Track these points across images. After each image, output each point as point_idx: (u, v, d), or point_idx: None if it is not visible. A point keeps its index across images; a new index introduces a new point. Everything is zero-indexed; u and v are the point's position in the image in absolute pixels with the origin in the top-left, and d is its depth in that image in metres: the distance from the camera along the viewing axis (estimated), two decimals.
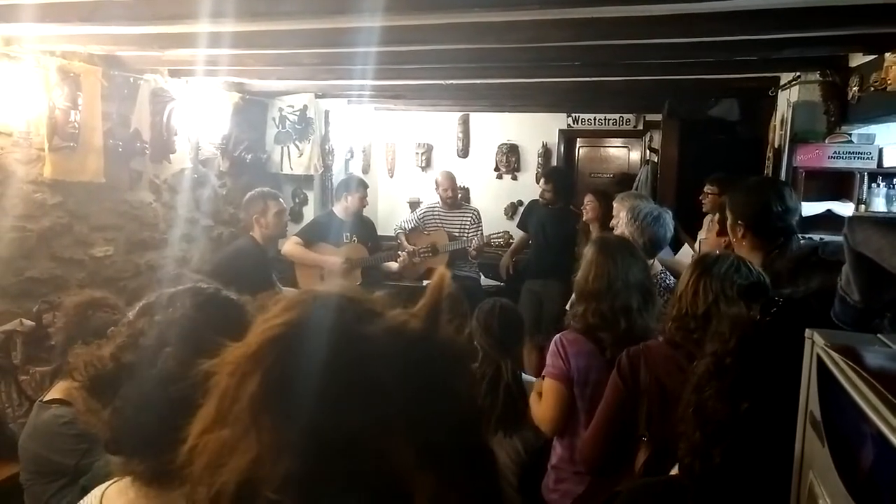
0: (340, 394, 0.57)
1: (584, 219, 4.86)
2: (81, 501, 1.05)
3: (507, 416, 2.46)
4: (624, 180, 6.52)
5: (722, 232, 3.06)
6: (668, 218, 3.27)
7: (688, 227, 4.56)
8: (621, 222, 3.25)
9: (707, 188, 4.59)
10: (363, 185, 4.95)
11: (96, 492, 1.04)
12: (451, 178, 5.46)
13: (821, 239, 3.76)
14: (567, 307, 2.59)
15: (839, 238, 1.10)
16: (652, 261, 3.12)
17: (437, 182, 5.48)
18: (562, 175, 5.73)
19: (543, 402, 2.36)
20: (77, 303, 2.38)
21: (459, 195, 5.74)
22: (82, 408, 0.99)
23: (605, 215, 4.62)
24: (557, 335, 2.41)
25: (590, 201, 4.79)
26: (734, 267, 1.89)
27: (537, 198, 5.45)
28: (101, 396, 0.97)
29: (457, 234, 5.35)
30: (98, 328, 1.80)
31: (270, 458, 0.56)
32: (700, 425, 1.07)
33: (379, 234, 5.34)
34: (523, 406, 2.49)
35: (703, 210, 4.56)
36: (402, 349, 0.60)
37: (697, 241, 4.24)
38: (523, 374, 2.62)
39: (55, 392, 2.29)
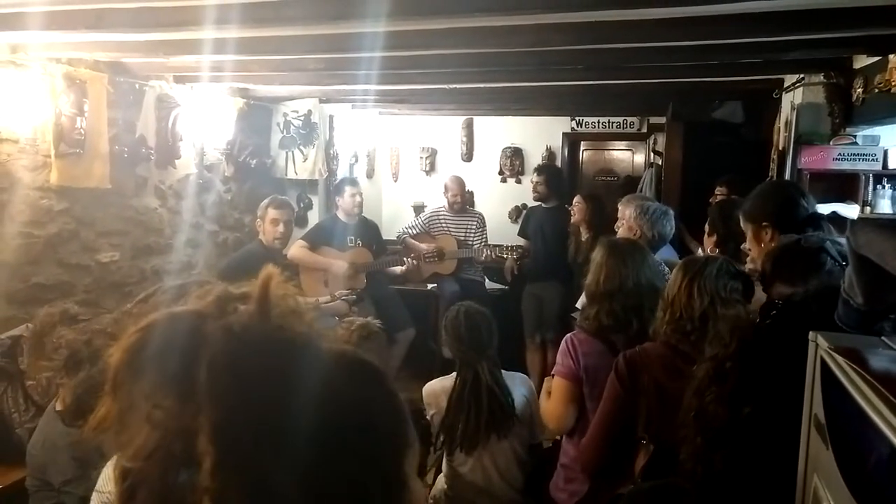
0: (166, 376, 0.63)
1: (573, 220, 4.88)
2: (100, 481, 1.09)
3: (496, 417, 2.46)
4: (628, 183, 6.52)
5: (712, 232, 3.13)
6: (673, 215, 3.33)
7: (692, 230, 4.55)
8: (629, 219, 3.25)
9: (717, 190, 4.57)
10: (350, 182, 4.93)
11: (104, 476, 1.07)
12: (460, 184, 5.47)
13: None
14: (579, 307, 2.60)
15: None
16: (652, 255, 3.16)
17: (445, 186, 5.49)
18: (551, 169, 5.74)
19: (552, 400, 2.36)
20: (48, 314, 2.44)
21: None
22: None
23: (593, 218, 4.67)
24: (568, 335, 2.41)
25: (577, 203, 4.84)
26: (724, 268, 1.92)
27: (534, 201, 5.47)
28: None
29: (461, 239, 5.36)
30: (60, 344, 1.82)
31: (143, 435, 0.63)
32: (701, 430, 1.07)
33: (383, 237, 5.34)
34: (510, 404, 2.49)
35: None
36: (226, 342, 0.63)
37: (701, 247, 4.23)
38: (504, 371, 2.62)
39: (64, 400, 2.30)
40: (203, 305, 0.68)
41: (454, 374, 2.57)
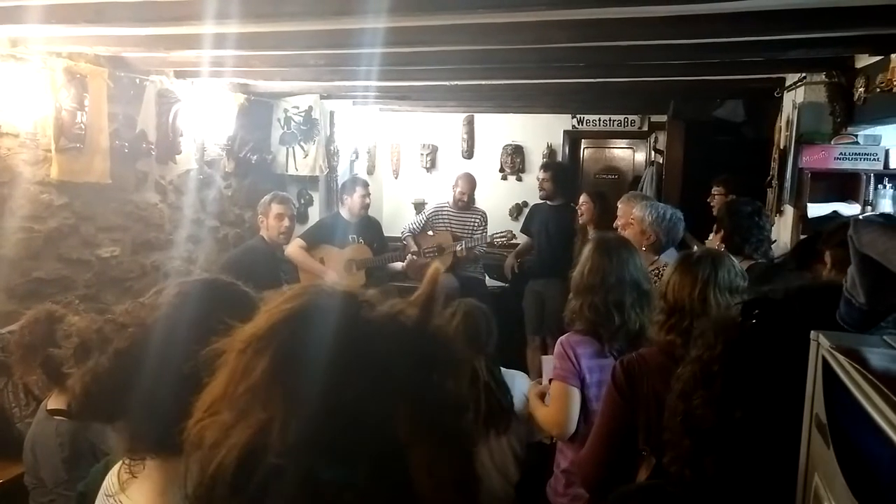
0: (344, 368, 0.63)
1: (580, 221, 4.86)
2: (106, 483, 1.08)
3: (494, 413, 2.44)
4: (635, 182, 6.52)
5: (720, 228, 3.22)
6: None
7: (692, 229, 4.55)
8: (641, 221, 3.23)
9: (714, 189, 4.57)
10: (362, 184, 4.93)
11: (111, 478, 1.06)
12: (471, 182, 5.44)
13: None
14: (567, 304, 2.59)
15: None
16: (657, 257, 3.15)
17: (456, 181, 5.45)
18: (559, 166, 5.72)
19: (553, 405, 2.31)
20: (35, 317, 2.45)
21: None
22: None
23: (600, 216, 4.65)
24: (562, 337, 2.39)
25: (584, 202, 4.80)
26: (714, 264, 1.87)
27: (539, 199, 5.46)
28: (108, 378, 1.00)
29: (464, 236, 5.35)
30: (71, 332, 1.82)
31: (278, 427, 0.61)
32: (688, 433, 1.05)
33: (385, 234, 5.34)
34: (508, 401, 2.48)
35: (714, 213, 4.55)
36: (399, 331, 0.66)
37: (704, 245, 4.23)
38: (503, 369, 2.61)
39: (59, 399, 2.29)
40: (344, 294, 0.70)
41: None
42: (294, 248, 4.61)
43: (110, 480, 1.07)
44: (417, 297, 0.69)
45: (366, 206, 4.87)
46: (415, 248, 5.24)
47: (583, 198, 4.84)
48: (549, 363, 2.59)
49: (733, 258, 2.01)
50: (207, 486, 0.63)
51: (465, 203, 5.45)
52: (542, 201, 5.43)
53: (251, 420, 0.62)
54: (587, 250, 2.39)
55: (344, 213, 4.90)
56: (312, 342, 0.64)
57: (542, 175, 5.33)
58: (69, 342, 1.06)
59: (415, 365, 0.64)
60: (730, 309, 1.35)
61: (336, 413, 0.62)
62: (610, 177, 7.62)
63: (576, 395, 2.27)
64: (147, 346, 0.99)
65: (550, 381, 2.38)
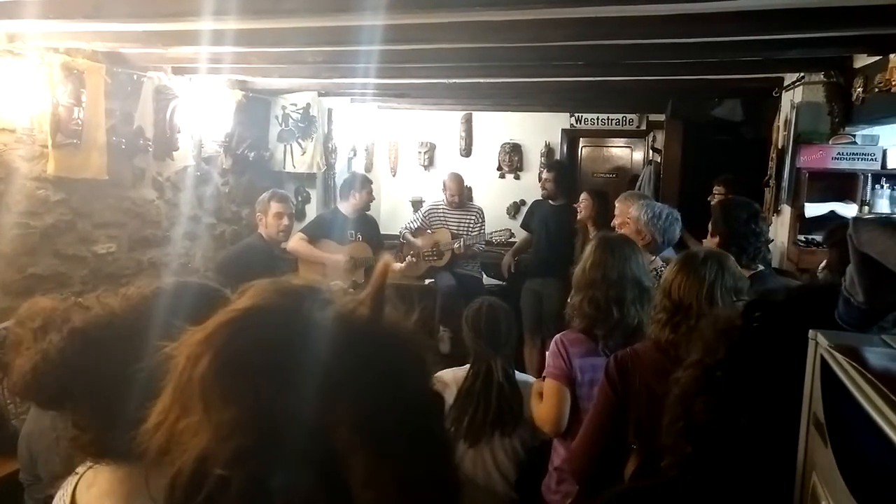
0: (287, 374, 0.60)
1: (579, 217, 4.87)
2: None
3: (503, 415, 2.44)
4: (633, 181, 6.51)
5: (715, 233, 3.09)
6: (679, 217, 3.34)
7: (690, 229, 4.55)
8: (637, 220, 3.23)
9: (715, 189, 4.57)
10: (368, 182, 4.96)
11: (65, 490, 1.03)
12: (459, 182, 5.46)
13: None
14: (569, 300, 2.60)
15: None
16: (654, 257, 3.14)
17: (444, 184, 5.49)
18: (563, 167, 5.72)
19: (545, 402, 2.35)
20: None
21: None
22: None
23: (599, 214, 4.65)
24: (558, 335, 2.41)
25: (584, 199, 4.80)
26: (720, 264, 1.88)
27: (541, 198, 5.46)
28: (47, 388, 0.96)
29: (460, 233, 5.36)
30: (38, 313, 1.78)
31: (220, 436, 0.59)
32: (690, 439, 1.04)
33: (382, 232, 5.34)
34: (518, 405, 2.47)
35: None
36: (348, 334, 0.63)
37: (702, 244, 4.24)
38: (518, 373, 2.61)
39: (21, 369, 2.28)
40: (289, 297, 0.67)
41: (467, 365, 2.56)
42: (297, 242, 4.62)
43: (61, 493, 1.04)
44: (367, 295, 0.66)
45: (370, 202, 4.94)
46: (417, 247, 5.25)
47: (583, 195, 4.85)
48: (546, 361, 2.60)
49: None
50: (168, 494, 0.61)
51: (459, 202, 5.46)
52: (542, 199, 5.43)
53: (201, 429, 0.60)
54: (590, 247, 2.41)
55: (344, 209, 4.89)
56: (254, 347, 0.62)
57: (546, 175, 5.33)
58: (32, 322, 1.03)
59: (362, 371, 0.61)
60: (728, 309, 1.33)
61: (277, 418, 0.59)
62: (608, 176, 7.61)
63: (565, 392, 2.29)
64: (107, 333, 0.95)
65: (544, 378, 2.39)
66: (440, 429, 0.67)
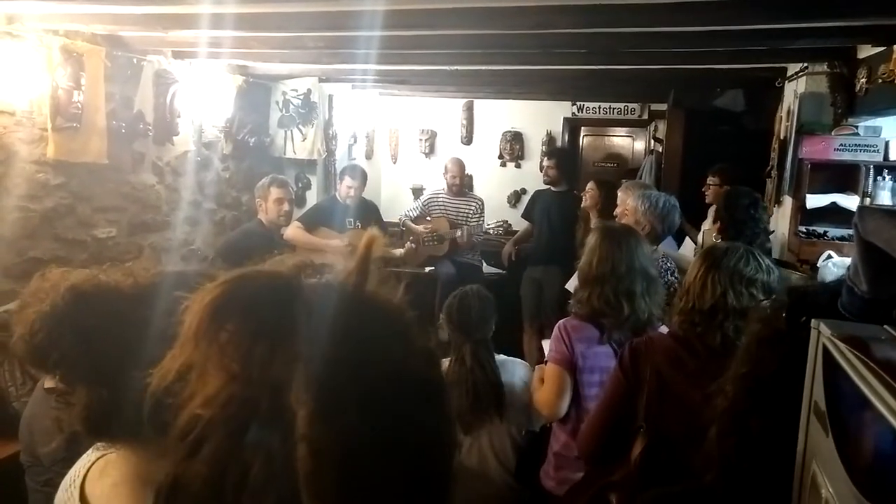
0: (271, 333, 0.62)
1: (583, 205, 4.86)
2: (60, 491, 1.04)
3: (479, 400, 2.41)
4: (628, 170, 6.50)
5: (717, 219, 3.23)
6: (678, 205, 3.33)
7: (690, 218, 4.55)
8: (635, 210, 3.22)
9: (710, 179, 4.57)
10: (350, 174, 4.82)
11: (74, 481, 1.03)
12: (460, 165, 5.47)
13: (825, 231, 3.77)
14: (570, 289, 2.59)
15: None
16: (654, 247, 3.13)
17: (445, 167, 5.49)
18: (565, 153, 5.71)
19: (545, 387, 2.35)
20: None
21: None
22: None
23: (605, 204, 4.62)
24: (561, 321, 2.41)
25: (590, 189, 4.78)
26: (744, 259, 1.85)
27: (543, 186, 5.45)
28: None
29: (459, 222, 5.35)
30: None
31: (215, 387, 0.62)
32: (745, 456, 1.00)
33: (383, 219, 5.32)
34: (496, 388, 2.44)
35: (707, 201, 4.55)
36: (325, 297, 0.65)
37: (700, 232, 4.23)
38: (508, 357, 2.60)
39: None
40: (286, 267, 0.71)
41: None
42: (293, 231, 4.60)
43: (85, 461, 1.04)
44: (354, 267, 0.67)
45: (351, 197, 4.79)
46: (418, 232, 5.25)
47: (590, 185, 4.82)
48: (548, 347, 2.60)
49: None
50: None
51: (459, 188, 5.46)
52: (545, 187, 5.42)
53: (200, 380, 0.63)
54: (593, 240, 2.38)
55: (341, 197, 4.88)
56: (244, 305, 0.64)
57: (547, 162, 5.33)
58: (40, 292, 1.02)
59: (319, 325, 0.62)
60: (760, 311, 1.27)
61: (254, 371, 0.61)
62: (609, 165, 7.60)
63: (566, 377, 2.30)
64: (100, 290, 0.94)
65: (545, 362, 2.40)
66: (408, 403, 0.64)
